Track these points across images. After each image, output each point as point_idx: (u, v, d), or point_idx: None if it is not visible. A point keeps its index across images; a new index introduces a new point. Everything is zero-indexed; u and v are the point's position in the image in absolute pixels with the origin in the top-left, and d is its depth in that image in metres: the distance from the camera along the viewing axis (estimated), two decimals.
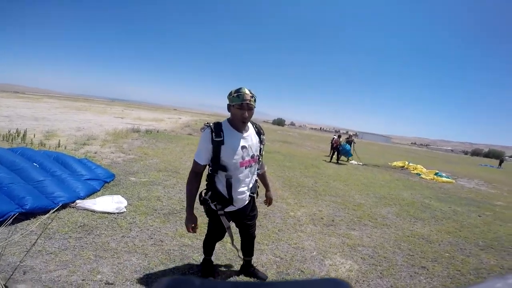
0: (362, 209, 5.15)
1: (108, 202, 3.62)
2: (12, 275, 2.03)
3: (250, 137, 1.91)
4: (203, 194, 2.01)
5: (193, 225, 1.92)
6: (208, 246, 2.31)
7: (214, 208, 1.96)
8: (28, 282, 2.02)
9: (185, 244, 2.91)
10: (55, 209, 3.10)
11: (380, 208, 5.42)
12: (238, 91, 1.77)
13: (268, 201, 2.46)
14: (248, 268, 2.48)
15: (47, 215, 2.72)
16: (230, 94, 1.80)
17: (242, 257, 2.43)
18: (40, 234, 2.55)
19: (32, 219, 2.96)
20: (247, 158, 1.88)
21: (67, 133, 9.77)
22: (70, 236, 2.77)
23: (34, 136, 7.99)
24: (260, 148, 2.01)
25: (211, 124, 1.84)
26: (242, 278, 2.47)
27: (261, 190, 2.34)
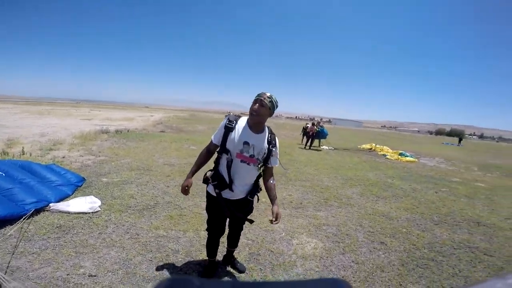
0: (329, 191, 5.55)
1: (81, 203, 3.69)
2: (5, 273, 2.14)
3: (258, 139, 2.02)
4: (207, 174, 2.16)
5: (186, 187, 2.10)
6: (212, 245, 2.38)
7: (213, 192, 2.11)
8: (18, 281, 2.14)
9: (160, 235, 3.10)
10: (29, 214, 3.14)
11: (346, 189, 5.85)
12: (260, 93, 2.00)
13: (275, 216, 2.07)
14: (229, 258, 2.66)
15: (22, 219, 2.79)
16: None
17: (226, 247, 2.62)
18: (20, 238, 2.63)
19: (8, 225, 2.98)
20: (245, 154, 1.99)
21: (30, 139, 9.33)
22: (48, 237, 2.86)
23: None
24: (266, 155, 2.06)
25: (231, 113, 2.14)
26: (221, 267, 2.62)
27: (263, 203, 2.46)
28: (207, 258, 2.50)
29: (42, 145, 8.22)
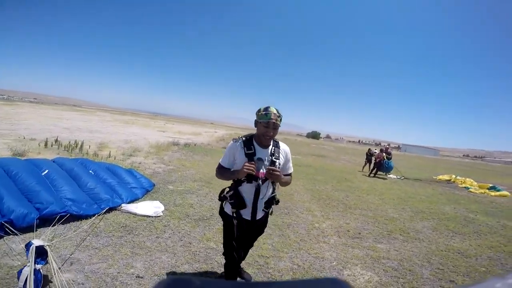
0: (394, 223, 4.98)
1: (148, 207, 4.06)
2: (61, 266, 2.43)
3: (266, 153, 2.05)
4: (224, 192, 2.14)
5: (246, 164, 1.90)
6: (231, 272, 2.29)
7: (230, 212, 2.10)
8: (72, 272, 2.40)
9: (210, 247, 3.17)
10: (103, 212, 3.60)
11: (415, 223, 5.19)
12: (266, 109, 1.96)
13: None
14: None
15: (95, 217, 3.19)
16: (259, 111, 2.00)
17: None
18: (89, 233, 3.01)
19: (84, 220, 3.45)
20: (262, 171, 1.98)
21: (116, 145, 10.90)
22: (113, 235, 3.19)
23: (89, 147, 9.10)
24: (273, 163, 2.04)
25: (243, 138, 2.06)
26: None
27: (275, 208, 2.41)
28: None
29: (125, 150, 9.49)
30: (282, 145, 2.16)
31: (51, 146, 8.52)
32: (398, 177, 12.63)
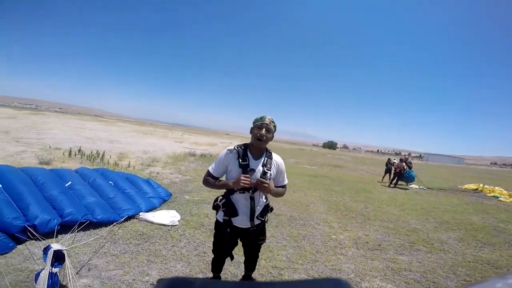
0: (417, 234, 4.76)
1: (164, 216, 4.12)
2: (79, 271, 2.50)
3: (257, 164, 2.06)
4: (218, 200, 2.19)
5: (242, 178, 1.94)
6: (217, 264, 2.44)
7: (221, 220, 2.14)
8: (89, 278, 2.45)
9: None
10: (121, 220, 3.68)
11: (440, 233, 4.95)
12: (261, 117, 2.07)
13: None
14: (247, 280, 2.61)
15: (114, 224, 3.27)
16: (254, 120, 2.10)
17: (244, 270, 2.59)
18: (108, 239, 3.07)
19: (103, 227, 3.55)
20: (253, 181, 1.99)
21: (135, 155, 11.23)
22: (130, 242, 3.25)
23: (110, 157, 9.44)
24: (265, 174, 2.05)
25: (237, 148, 2.08)
26: None
27: (276, 213, 2.38)
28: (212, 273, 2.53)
29: (143, 161, 9.75)
30: (276, 157, 2.19)
31: (75, 155, 8.91)
32: (421, 187, 12.12)
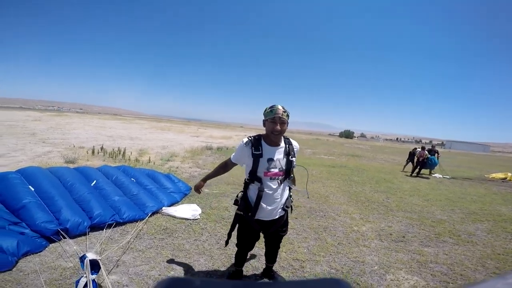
0: (443, 226, 4.61)
1: (186, 210, 4.20)
2: (112, 269, 2.58)
3: (279, 152, 2.08)
4: (238, 196, 2.23)
5: (199, 187, 2.43)
6: (240, 257, 2.48)
7: (242, 213, 2.15)
8: (118, 274, 2.53)
9: None
10: (146, 218, 3.79)
11: (467, 225, 4.76)
12: (272, 107, 2.02)
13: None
14: (268, 272, 2.64)
15: (140, 222, 3.37)
16: (265, 110, 2.07)
17: (265, 263, 2.62)
18: (134, 235, 3.17)
19: (129, 223, 3.67)
20: (273, 170, 2.04)
21: (155, 151, 11.51)
22: (155, 237, 3.34)
23: (131, 153, 9.72)
24: (287, 165, 2.10)
25: (251, 138, 2.10)
26: (263, 281, 2.61)
27: (295, 204, 2.39)
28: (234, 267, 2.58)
29: (163, 156, 9.98)
30: (294, 143, 2.21)
31: (98, 153, 9.25)
32: (444, 176, 11.68)
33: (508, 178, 11.87)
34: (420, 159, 11.42)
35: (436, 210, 5.69)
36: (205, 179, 2.45)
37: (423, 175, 11.42)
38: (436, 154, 12.41)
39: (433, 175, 11.96)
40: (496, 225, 4.85)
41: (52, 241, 2.98)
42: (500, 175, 12.61)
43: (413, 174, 11.35)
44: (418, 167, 11.43)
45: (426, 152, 11.68)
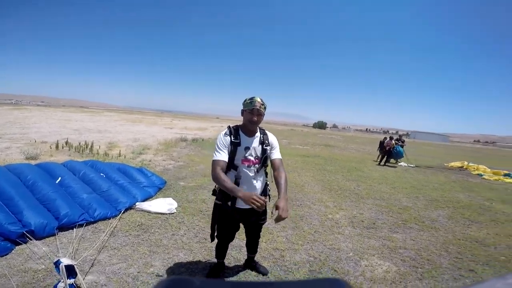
0: (409, 212, 4.93)
1: (161, 204, 4.09)
2: (88, 270, 2.46)
3: (254, 141, 2.17)
4: (216, 186, 2.24)
5: (255, 196, 1.83)
6: (220, 249, 2.49)
7: (220, 202, 2.18)
8: (94, 274, 2.42)
9: None
10: (119, 215, 3.63)
11: (430, 211, 5.13)
12: (251, 98, 2.10)
13: (276, 208, 1.93)
14: (250, 262, 2.69)
15: (112, 220, 3.22)
16: (245, 100, 2.14)
17: (247, 253, 2.66)
18: (108, 233, 3.03)
19: (101, 220, 3.49)
20: (250, 158, 2.13)
21: (125, 143, 11.00)
22: (130, 234, 3.22)
23: (99, 147, 9.20)
24: (265, 151, 2.18)
25: (230, 128, 2.17)
26: (246, 271, 2.64)
27: (272, 194, 2.37)
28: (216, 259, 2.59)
29: (134, 149, 9.57)
30: (269, 134, 2.29)
31: (62, 148, 8.65)
32: (409, 165, 12.47)
33: (464, 167, 12.95)
34: (387, 148, 12.09)
35: (402, 197, 6.08)
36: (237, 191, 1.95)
37: (390, 164, 12.10)
38: (402, 144, 13.25)
39: (399, 163, 12.73)
40: (456, 211, 5.27)
41: (18, 244, 2.76)
42: (458, 163, 13.71)
43: (381, 163, 12.00)
44: (385, 156, 12.12)
45: (393, 142, 12.38)
